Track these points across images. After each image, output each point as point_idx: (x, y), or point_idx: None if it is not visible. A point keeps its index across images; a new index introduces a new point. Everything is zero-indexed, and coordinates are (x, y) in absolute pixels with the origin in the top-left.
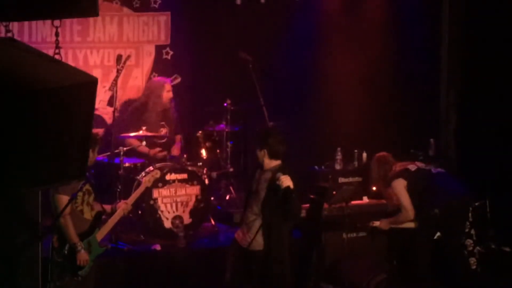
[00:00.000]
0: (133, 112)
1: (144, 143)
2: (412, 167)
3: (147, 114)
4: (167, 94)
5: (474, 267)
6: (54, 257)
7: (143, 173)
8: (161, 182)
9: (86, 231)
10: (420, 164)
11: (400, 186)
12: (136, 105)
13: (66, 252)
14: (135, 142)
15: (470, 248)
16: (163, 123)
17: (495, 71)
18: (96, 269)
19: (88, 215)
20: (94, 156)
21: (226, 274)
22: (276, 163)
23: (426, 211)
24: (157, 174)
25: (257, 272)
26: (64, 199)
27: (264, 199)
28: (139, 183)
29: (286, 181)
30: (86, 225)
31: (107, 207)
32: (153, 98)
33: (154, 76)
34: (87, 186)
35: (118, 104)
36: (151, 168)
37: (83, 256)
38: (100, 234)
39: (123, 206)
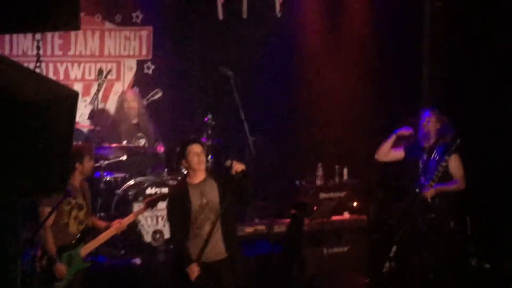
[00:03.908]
0: (110, 127)
1: (125, 156)
2: None
3: (121, 126)
4: (131, 103)
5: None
6: (36, 266)
7: (124, 186)
8: (141, 196)
9: (69, 244)
10: None
11: (460, 159)
12: (111, 119)
13: (44, 263)
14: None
15: None
16: (140, 134)
17: (481, 71)
18: (80, 282)
19: (73, 228)
20: (90, 164)
21: None
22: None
23: None
24: (163, 197)
25: (227, 280)
26: (46, 210)
27: (222, 204)
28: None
29: (239, 165)
30: (70, 239)
31: (102, 224)
32: (120, 109)
33: (136, 90)
34: (80, 200)
35: (97, 117)
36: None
37: (58, 268)
38: (86, 249)
39: (117, 225)
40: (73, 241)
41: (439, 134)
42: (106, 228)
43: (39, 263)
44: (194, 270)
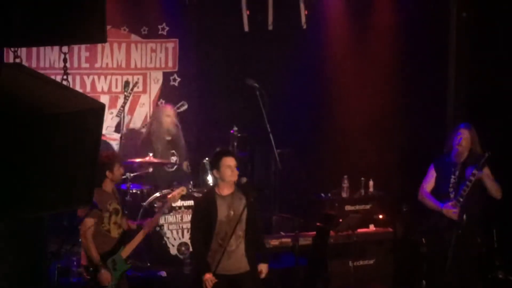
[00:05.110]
0: (143, 142)
1: (151, 169)
2: None
3: (154, 143)
4: (167, 118)
5: None
6: (83, 274)
7: (150, 199)
8: (167, 208)
9: (112, 249)
10: None
11: (490, 173)
12: (145, 134)
13: (92, 270)
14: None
15: None
16: (173, 151)
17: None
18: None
19: (114, 233)
20: (120, 171)
21: None
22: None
23: None
24: (183, 191)
25: None
26: (89, 222)
27: (248, 219)
28: (162, 199)
29: (266, 270)
30: (112, 244)
31: (133, 224)
32: (156, 124)
33: (161, 102)
34: (116, 205)
35: (125, 130)
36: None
37: (103, 276)
38: (126, 251)
39: (148, 223)
40: (114, 246)
41: (472, 151)
42: (139, 228)
43: (86, 272)
44: (208, 279)
